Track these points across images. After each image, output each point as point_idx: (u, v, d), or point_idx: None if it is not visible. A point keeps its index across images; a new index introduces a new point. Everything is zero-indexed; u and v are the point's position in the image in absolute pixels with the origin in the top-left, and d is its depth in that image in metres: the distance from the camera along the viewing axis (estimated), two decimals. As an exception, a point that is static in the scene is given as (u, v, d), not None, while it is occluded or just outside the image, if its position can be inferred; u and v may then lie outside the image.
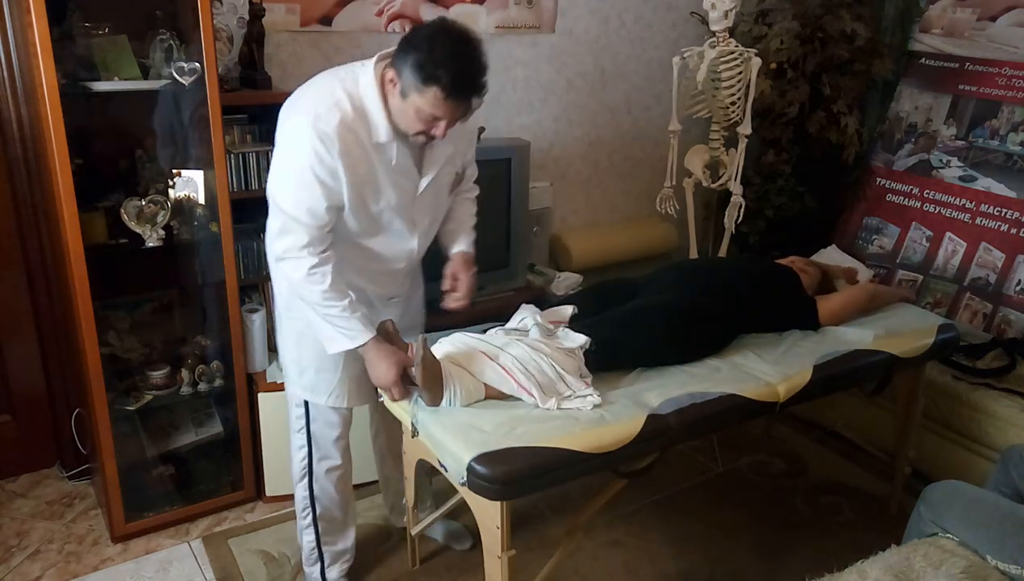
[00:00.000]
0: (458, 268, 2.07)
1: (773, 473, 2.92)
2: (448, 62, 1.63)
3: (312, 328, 1.88)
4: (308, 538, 2.18)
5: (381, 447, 2.36)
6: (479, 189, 2.22)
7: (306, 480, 2.11)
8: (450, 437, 1.72)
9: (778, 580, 2.36)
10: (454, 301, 2.05)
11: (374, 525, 2.55)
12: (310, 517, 2.15)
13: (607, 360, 1.98)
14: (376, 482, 2.64)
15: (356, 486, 2.69)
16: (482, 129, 2.86)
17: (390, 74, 1.71)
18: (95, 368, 2.26)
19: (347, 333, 1.82)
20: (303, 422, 2.08)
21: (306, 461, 2.10)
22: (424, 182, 1.89)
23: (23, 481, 2.77)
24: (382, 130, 1.75)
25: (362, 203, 1.82)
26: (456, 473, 1.71)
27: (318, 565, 2.20)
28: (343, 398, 2.05)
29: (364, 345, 1.83)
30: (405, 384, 1.84)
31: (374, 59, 1.77)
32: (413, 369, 1.78)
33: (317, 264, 1.77)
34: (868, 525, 2.62)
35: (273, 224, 1.81)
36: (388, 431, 2.29)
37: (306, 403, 2.06)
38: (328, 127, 1.69)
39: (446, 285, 2.06)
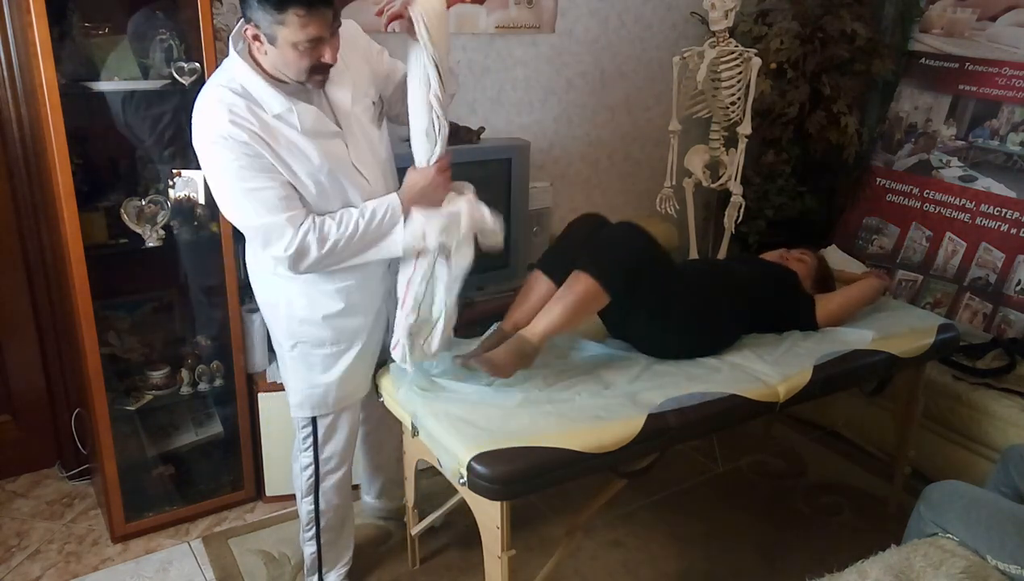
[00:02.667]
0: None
1: (773, 473, 2.92)
2: None
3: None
4: (310, 549, 2.17)
5: (376, 439, 2.36)
6: None
7: (312, 496, 2.10)
8: (448, 436, 1.73)
9: (778, 580, 2.36)
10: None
11: (374, 525, 2.55)
12: (314, 530, 2.14)
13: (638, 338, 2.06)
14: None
15: (357, 486, 2.70)
16: (482, 129, 2.86)
17: (251, 32, 1.64)
18: (95, 368, 2.26)
19: (385, 216, 1.79)
20: (310, 441, 2.05)
21: (312, 479, 2.09)
22: (347, 132, 1.80)
23: (23, 481, 2.77)
24: (273, 101, 1.69)
25: (300, 178, 1.74)
26: (449, 469, 1.71)
27: (316, 575, 2.20)
28: (353, 394, 2.04)
29: (401, 202, 1.81)
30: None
31: (230, 46, 1.73)
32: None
33: (308, 232, 1.73)
34: (868, 525, 2.62)
35: (252, 244, 1.79)
36: (387, 425, 2.30)
37: (313, 421, 2.03)
38: (228, 129, 1.65)
39: None
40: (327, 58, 1.67)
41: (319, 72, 1.70)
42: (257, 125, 1.67)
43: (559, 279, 2.01)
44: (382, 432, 2.33)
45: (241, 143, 1.66)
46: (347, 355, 1.97)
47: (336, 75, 1.77)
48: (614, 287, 1.94)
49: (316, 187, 1.77)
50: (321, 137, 1.75)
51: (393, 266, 1.97)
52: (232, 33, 1.74)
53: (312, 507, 2.11)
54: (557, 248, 2.14)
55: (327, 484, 2.09)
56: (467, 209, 1.86)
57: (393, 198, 1.82)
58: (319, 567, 2.19)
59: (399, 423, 2.05)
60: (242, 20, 1.66)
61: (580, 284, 1.93)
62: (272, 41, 1.62)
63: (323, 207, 1.80)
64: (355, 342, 1.97)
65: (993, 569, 1.71)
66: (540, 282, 2.08)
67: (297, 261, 1.75)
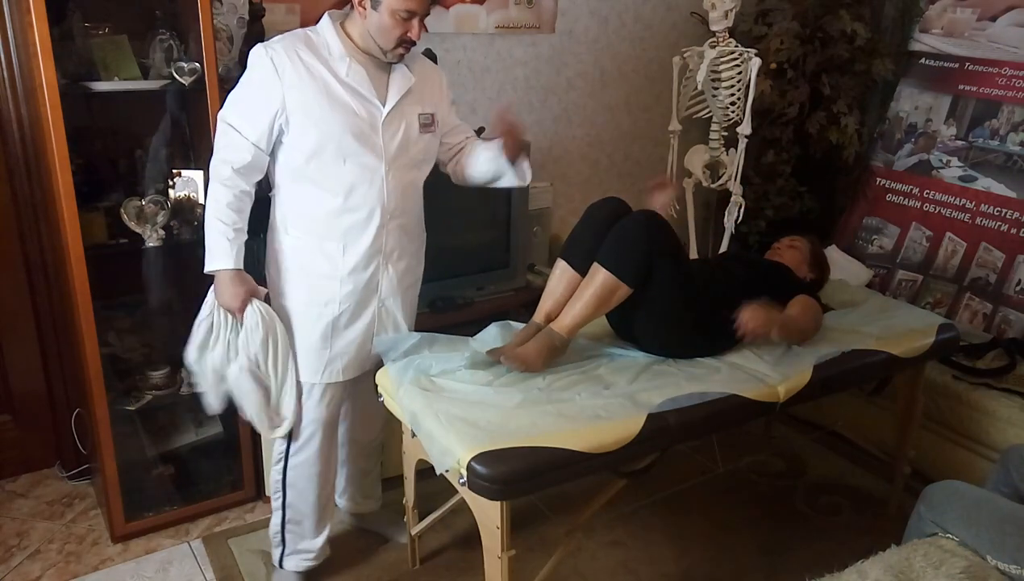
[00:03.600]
0: (497, 113, 2.10)
1: (773, 473, 2.92)
2: None
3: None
4: (275, 519, 2.23)
5: (351, 433, 2.38)
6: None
7: (281, 464, 2.18)
8: (446, 435, 1.72)
9: (778, 580, 2.36)
10: (507, 147, 2.08)
11: (374, 525, 2.56)
12: (280, 500, 2.20)
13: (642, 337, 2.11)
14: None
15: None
16: (481, 129, 2.86)
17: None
18: (95, 368, 2.26)
19: (213, 252, 1.95)
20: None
21: (283, 447, 2.16)
22: (386, 109, 1.97)
23: (23, 481, 2.77)
24: (334, 47, 1.92)
25: (314, 122, 1.90)
26: (440, 466, 1.71)
27: (280, 549, 2.25)
28: (336, 374, 2.11)
29: (217, 271, 1.96)
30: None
31: (323, 16, 1.97)
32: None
33: (234, 175, 1.91)
34: (868, 525, 2.62)
35: (219, 139, 1.95)
36: (363, 418, 2.34)
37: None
38: (275, 51, 1.88)
39: (497, 132, 2.09)
40: (413, 34, 1.89)
41: (403, 45, 1.92)
42: (301, 64, 1.89)
43: (582, 268, 2.06)
44: (357, 432, 2.37)
45: (279, 63, 1.88)
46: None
47: (405, 78, 2.00)
48: (633, 281, 1.99)
49: (319, 137, 1.91)
50: (357, 97, 1.93)
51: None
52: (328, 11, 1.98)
53: (280, 476, 2.18)
54: (578, 237, 2.15)
55: (296, 460, 2.16)
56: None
57: (223, 266, 1.96)
58: (283, 544, 2.25)
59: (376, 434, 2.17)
60: None
61: (599, 277, 1.99)
62: (375, 6, 1.86)
63: (322, 152, 1.93)
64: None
65: (993, 569, 1.71)
66: (565, 272, 2.11)
67: (215, 168, 1.95)
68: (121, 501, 2.41)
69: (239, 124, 1.92)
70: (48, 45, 1.98)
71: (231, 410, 2.57)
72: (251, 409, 2.06)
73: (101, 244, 2.28)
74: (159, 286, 2.62)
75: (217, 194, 1.94)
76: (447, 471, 1.74)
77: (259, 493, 2.66)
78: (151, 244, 2.30)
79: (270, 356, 2.03)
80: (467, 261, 2.89)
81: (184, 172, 2.38)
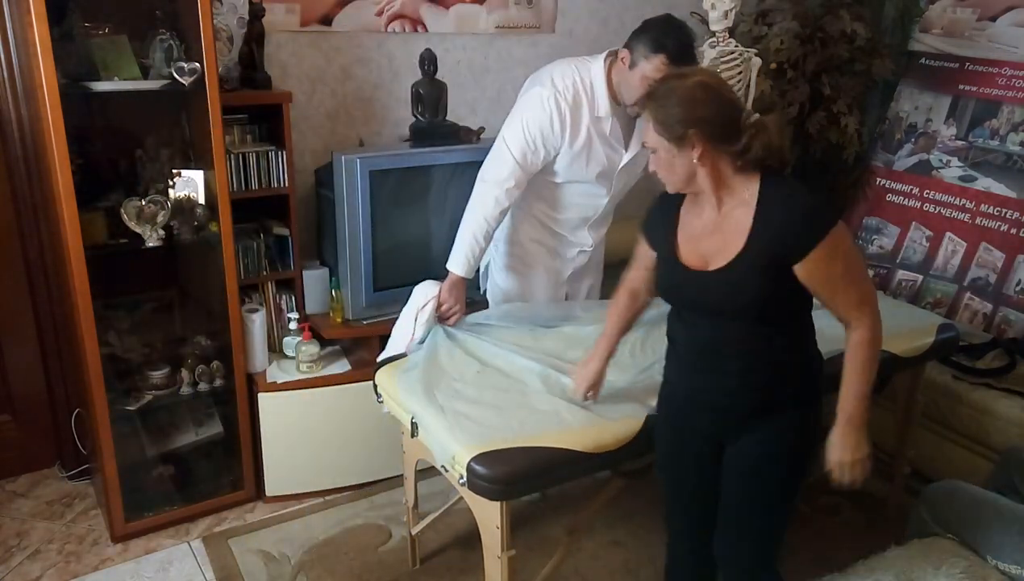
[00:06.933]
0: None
1: (773, 473, 2.91)
2: (674, 34, 2.12)
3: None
4: None
5: None
6: None
7: None
8: (448, 435, 1.72)
9: (778, 580, 2.35)
10: None
11: (374, 525, 2.55)
12: None
13: None
14: (377, 482, 2.65)
15: (356, 486, 2.71)
16: (482, 129, 2.86)
17: (623, 53, 2.16)
18: (95, 368, 2.26)
19: (456, 257, 2.25)
20: None
21: None
22: (627, 157, 2.32)
23: (23, 481, 2.77)
24: (603, 105, 2.24)
25: (575, 162, 2.29)
26: (440, 461, 1.71)
27: None
28: None
29: (451, 273, 2.25)
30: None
31: (603, 54, 2.26)
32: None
33: (501, 198, 2.22)
34: (868, 525, 2.62)
35: (492, 155, 2.27)
36: None
37: None
38: (563, 101, 2.20)
39: None
40: None
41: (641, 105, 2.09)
42: (578, 115, 2.23)
43: None
44: None
45: (563, 115, 2.21)
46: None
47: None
48: None
49: (578, 172, 2.32)
50: (611, 147, 2.31)
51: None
52: (609, 50, 2.27)
53: None
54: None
55: None
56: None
57: (458, 272, 2.26)
58: None
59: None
60: (627, 41, 2.18)
61: None
62: (632, 65, 2.14)
63: (571, 177, 2.34)
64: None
65: (993, 569, 1.71)
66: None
67: (482, 184, 2.26)
68: (121, 501, 2.41)
69: (519, 158, 2.24)
70: (48, 45, 1.98)
71: (232, 410, 2.58)
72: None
73: (101, 244, 2.28)
74: (159, 286, 2.63)
75: None
76: (447, 470, 1.74)
77: (259, 493, 2.66)
78: (151, 244, 2.30)
79: None
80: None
81: (184, 172, 2.38)
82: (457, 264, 2.25)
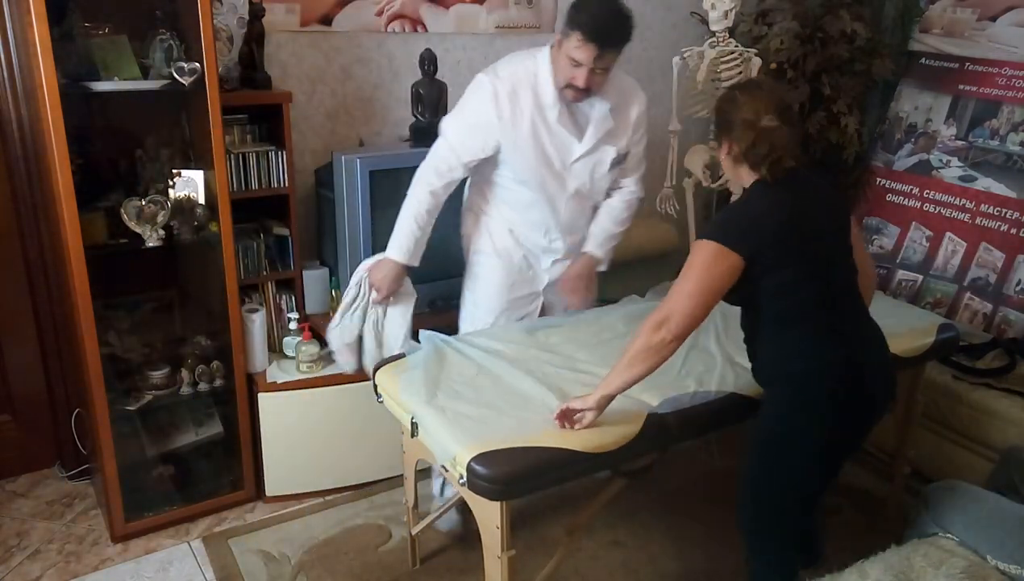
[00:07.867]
0: (574, 271, 2.33)
1: (773, 473, 2.91)
2: (591, 9, 2.00)
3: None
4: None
5: None
6: (642, 194, 2.42)
7: None
8: (448, 435, 1.72)
9: (778, 580, 2.35)
10: (565, 305, 2.38)
11: (374, 525, 2.55)
12: None
13: None
14: (377, 482, 2.65)
15: (357, 486, 2.71)
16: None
17: (558, 36, 2.07)
18: (95, 368, 2.26)
19: (394, 243, 2.21)
20: None
21: None
22: (581, 149, 2.19)
23: (23, 481, 2.77)
24: (547, 92, 2.12)
25: (520, 154, 2.16)
26: (442, 460, 1.72)
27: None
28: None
29: (387, 257, 2.22)
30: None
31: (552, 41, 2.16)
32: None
33: (433, 181, 2.16)
34: (868, 525, 2.62)
35: (434, 146, 2.20)
36: None
37: None
38: (500, 87, 2.11)
39: (562, 286, 2.36)
40: (578, 81, 2.05)
41: (570, 88, 2.09)
42: (519, 104, 2.12)
43: None
44: None
45: (491, 91, 2.11)
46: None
47: (603, 115, 2.18)
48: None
49: (523, 166, 2.18)
50: (560, 137, 2.17)
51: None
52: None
53: None
54: None
55: None
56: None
57: (395, 256, 2.23)
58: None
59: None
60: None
61: None
62: (559, 46, 2.07)
63: (518, 174, 2.21)
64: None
65: (993, 569, 1.71)
66: None
67: (420, 170, 2.21)
68: (121, 501, 2.41)
69: (455, 144, 2.19)
70: (48, 45, 1.98)
71: (232, 410, 2.58)
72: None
73: (101, 244, 2.28)
74: (159, 286, 2.63)
75: None
76: (447, 469, 1.74)
77: (259, 493, 2.66)
78: (151, 244, 2.30)
79: None
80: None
81: (184, 172, 2.38)
82: (391, 247, 2.23)
